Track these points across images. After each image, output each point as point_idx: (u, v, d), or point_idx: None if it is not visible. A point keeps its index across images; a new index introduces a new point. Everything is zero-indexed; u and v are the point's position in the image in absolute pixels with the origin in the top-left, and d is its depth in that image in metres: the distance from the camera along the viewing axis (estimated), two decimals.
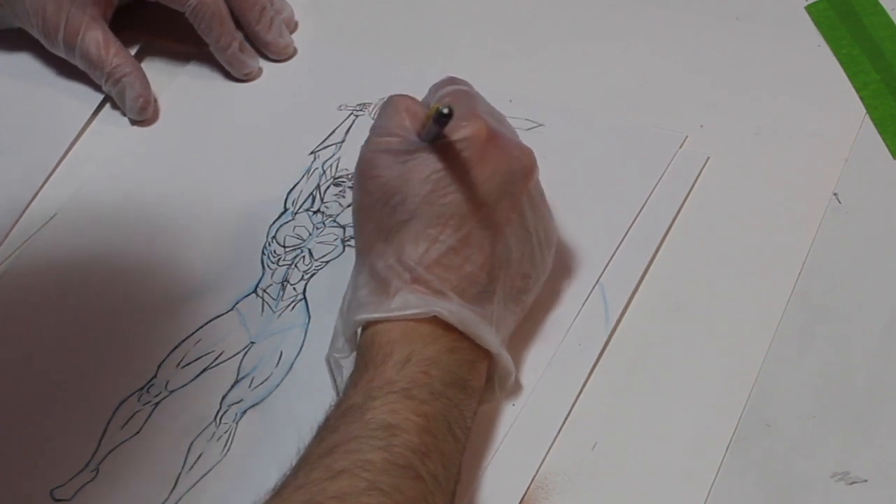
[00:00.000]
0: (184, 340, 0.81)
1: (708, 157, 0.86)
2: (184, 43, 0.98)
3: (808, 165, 0.85)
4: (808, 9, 0.95)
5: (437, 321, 0.69)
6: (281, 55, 0.97)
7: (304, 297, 0.82)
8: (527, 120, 0.88)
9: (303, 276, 0.83)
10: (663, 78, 0.92)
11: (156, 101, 0.95)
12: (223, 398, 0.78)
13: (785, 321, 0.77)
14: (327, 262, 0.84)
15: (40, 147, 0.94)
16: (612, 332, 0.78)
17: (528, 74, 0.93)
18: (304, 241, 0.85)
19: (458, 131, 0.71)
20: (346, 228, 0.85)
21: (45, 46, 0.96)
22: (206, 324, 0.81)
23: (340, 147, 0.90)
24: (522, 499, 0.72)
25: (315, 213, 0.87)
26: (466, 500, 0.71)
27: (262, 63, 0.97)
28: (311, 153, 0.90)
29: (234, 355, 0.80)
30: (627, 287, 0.80)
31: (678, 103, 0.90)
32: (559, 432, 0.74)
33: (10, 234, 0.88)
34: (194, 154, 0.92)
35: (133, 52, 0.97)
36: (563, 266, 0.80)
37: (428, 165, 0.71)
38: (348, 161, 0.87)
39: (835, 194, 0.83)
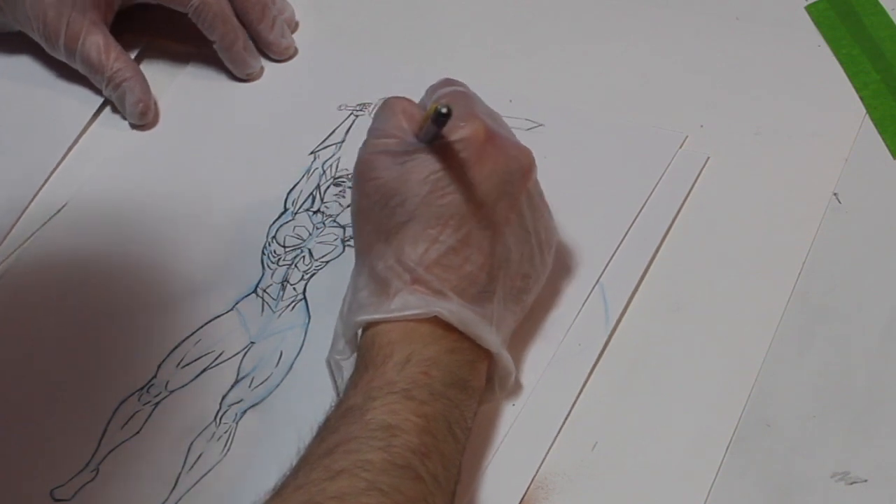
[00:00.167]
0: (184, 340, 0.81)
1: (708, 157, 0.86)
2: (184, 43, 0.98)
3: (808, 165, 0.85)
4: (808, 9, 0.95)
5: (437, 322, 0.69)
6: (282, 55, 0.97)
7: (304, 297, 0.82)
8: (527, 120, 0.88)
9: (303, 276, 0.83)
10: (663, 78, 0.92)
11: (156, 105, 0.95)
12: (223, 398, 0.78)
13: (785, 321, 0.77)
14: (327, 262, 0.84)
15: (40, 148, 0.93)
16: (612, 332, 0.78)
17: (528, 74, 0.93)
18: (304, 241, 0.85)
19: (456, 132, 0.71)
20: (346, 228, 0.85)
21: (46, 50, 0.96)
22: (207, 324, 0.81)
23: (340, 147, 0.90)
24: (522, 499, 0.72)
25: (315, 213, 0.87)
26: (466, 500, 0.71)
27: (263, 63, 0.97)
28: (312, 153, 0.90)
29: (234, 355, 0.80)
30: (627, 287, 0.80)
31: (678, 103, 0.90)
32: (559, 432, 0.74)
33: (10, 235, 0.88)
34: (194, 154, 0.92)
35: (133, 55, 0.97)
36: (563, 266, 0.80)
37: (426, 166, 0.71)
38: (348, 161, 0.87)
39: (835, 194, 0.83)
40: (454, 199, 0.71)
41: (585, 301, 0.79)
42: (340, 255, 0.84)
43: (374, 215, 0.72)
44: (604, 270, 0.80)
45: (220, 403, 0.78)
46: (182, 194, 0.89)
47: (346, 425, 0.65)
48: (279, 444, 0.74)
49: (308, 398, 0.76)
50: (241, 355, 0.80)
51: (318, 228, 0.86)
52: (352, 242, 0.79)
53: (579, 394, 0.76)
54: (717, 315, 0.78)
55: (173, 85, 0.97)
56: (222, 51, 0.95)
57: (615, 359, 0.77)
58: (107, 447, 0.76)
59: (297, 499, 0.61)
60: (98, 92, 0.95)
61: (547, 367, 0.77)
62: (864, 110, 0.87)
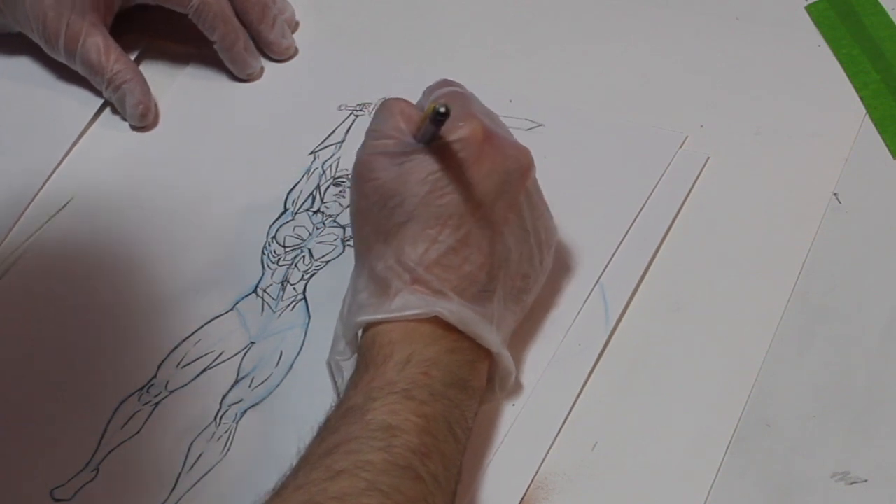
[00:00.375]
0: (184, 340, 0.81)
1: (708, 157, 0.86)
2: (184, 44, 0.98)
3: (808, 165, 0.85)
4: (808, 9, 0.95)
5: (437, 321, 0.69)
6: (283, 55, 0.97)
7: (304, 297, 0.82)
8: (527, 120, 0.88)
9: (303, 276, 0.83)
10: (663, 78, 0.92)
11: (156, 106, 0.95)
12: (223, 398, 0.78)
13: (785, 321, 0.77)
14: (327, 262, 0.84)
15: (40, 148, 0.93)
16: (612, 332, 0.78)
17: (528, 74, 0.93)
18: (304, 241, 0.85)
19: (455, 132, 0.71)
20: (346, 228, 0.85)
21: (45, 51, 0.96)
22: (207, 324, 0.81)
23: (340, 147, 0.90)
24: (522, 499, 0.72)
25: (315, 213, 0.87)
26: (466, 500, 0.71)
27: (263, 63, 0.97)
28: (311, 153, 0.90)
29: (234, 355, 0.80)
30: (627, 287, 0.80)
31: (678, 103, 0.90)
32: (559, 432, 0.74)
33: (10, 235, 0.88)
34: (194, 154, 0.92)
35: (133, 56, 0.97)
36: (563, 266, 0.80)
37: (425, 166, 0.71)
38: (348, 161, 0.87)
39: (835, 194, 0.83)
40: (453, 199, 0.71)
41: (585, 301, 0.79)
42: (340, 255, 0.84)
43: (373, 216, 0.72)
44: (604, 270, 0.80)
45: (220, 403, 0.78)
46: (182, 194, 0.89)
47: (347, 425, 0.65)
48: (279, 444, 0.74)
49: (308, 398, 0.76)
50: (241, 355, 0.80)
51: (318, 228, 0.86)
52: (352, 243, 0.79)
53: (579, 394, 0.76)
54: (717, 315, 0.78)
55: (173, 85, 0.97)
56: (223, 51, 0.95)
57: (615, 359, 0.77)
58: (107, 447, 0.77)
59: (297, 499, 0.61)
60: (98, 93, 0.95)
61: (547, 367, 0.77)
62: (864, 110, 0.87)
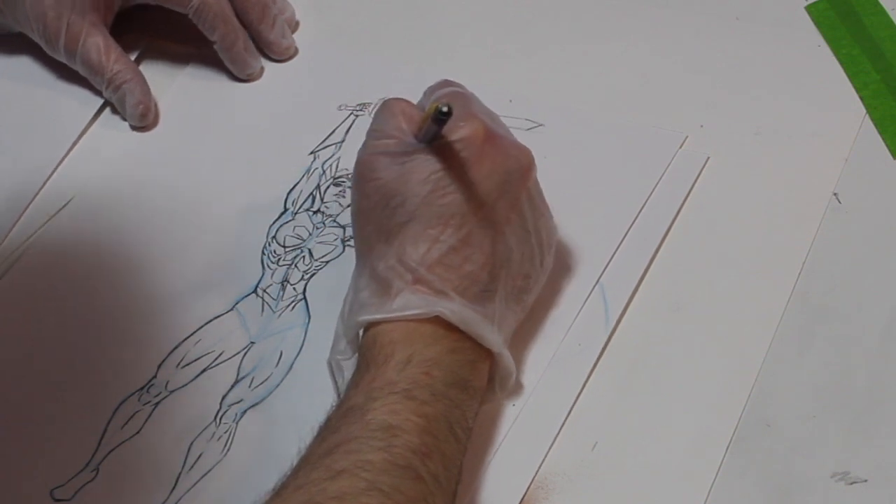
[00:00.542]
0: (184, 340, 0.81)
1: (708, 157, 0.86)
2: (184, 44, 0.98)
3: (808, 165, 0.85)
4: (808, 9, 0.95)
5: (438, 321, 0.69)
6: (283, 55, 0.97)
7: (304, 297, 0.82)
8: (527, 120, 0.88)
9: (303, 276, 0.83)
10: (663, 78, 0.92)
11: (156, 106, 0.95)
12: (223, 398, 0.78)
13: (785, 321, 0.77)
14: (327, 262, 0.84)
15: (41, 148, 0.93)
16: (612, 332, 0.78)
17: (528, 74, 0.93)
18: (304, 241, 0.85)
19: (456, 131, 0.71)
20: (346, 228, 0.85)
21: (46, 51, 0.96)
22: (207, 324, 0.81)
23: (340, 147, 0.90)
24: (522, 499, 0.72)
25: (315, 213, 0.87)
26: (466, 500, 0.71)
27: (263, 63, 0.97)
28: (311, 153, 0.90)
29: (234, 355, 0.80)
30: (627, 287, 0.80)
31: (678, 103, 0.90)
32: (559, 432, 0.74)
33: (10, 235, 0.88)
34: (194, 154, 0.92)
35: (134, 56, 0.97)
36: (563, 266, 0.80)
37: (427, 166, 0.71)
38: (348, 161, 0.87)
39: (835, 194, 0.83)
40: (455, 199, 0.71)
41: (585, 301, 0.79)
42: (340, 255, 0.84)
43: (375, 216, 0.72)
44: (604, 270, 0.80)
45: (220, 403, 0.78)
46: (182, 195, 0.89)
47: (347, 425, 0.65)
48: (279, 443, 0.74)
49: (308, 398, 0.76)
50: (241, 355, 0.80)
51: (318, 228, 0.86)
52: (352, 242, 0.79)
53: (579, 394, 0.76)
54: (717, 315, 0.78)
55: (173, 85, 0.97)
56: (222, 51, 0.95)
57: (615, 359, 0.77)
58: (107, 447, 0.77)
59: (297, 499, 0.61)
60: (98, 93, 0.95)
61: (547, 367, 0.77)
62: (864, 110, 0.87)
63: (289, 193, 0.88)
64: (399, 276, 0.70)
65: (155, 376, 0.79)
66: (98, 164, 0.92)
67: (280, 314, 0.82)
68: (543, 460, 0.73)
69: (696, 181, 0.85)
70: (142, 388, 0.79)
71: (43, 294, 0.85)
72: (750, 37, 0.93)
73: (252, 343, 0.81)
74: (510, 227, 0.72)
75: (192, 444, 0.76)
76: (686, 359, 0.77)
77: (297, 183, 0.88)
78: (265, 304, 0.82)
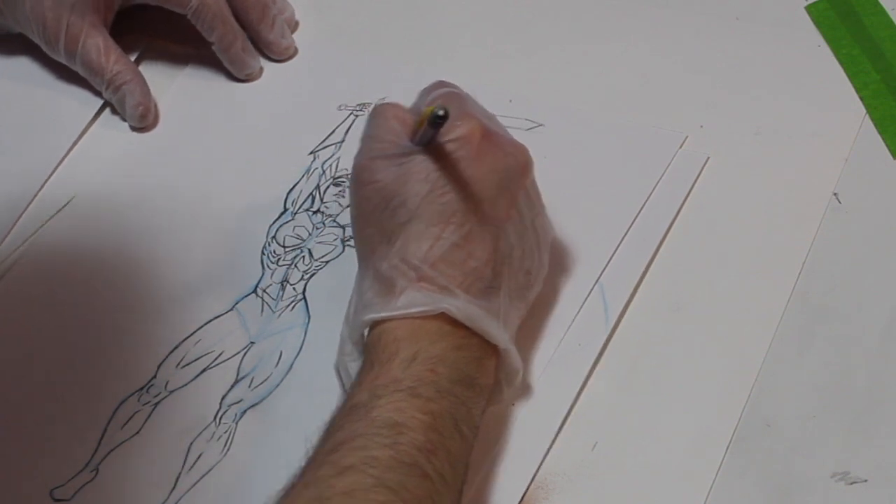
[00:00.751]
0: (184, 340, 0.81)
1: (708, 157, 0.86)
2: (183, 44, 0.98)
3: (808, 165, 0.85)
4: (808, 9, 0.95)
5: (443, 318, 0.69)
6: (283, 55, 0.97)
7: (304, 297, 0.82)
8: (527, 120, 0.88)
9: (302, 276, 0.83)
10: (663, 78, 0.92)
11: (156, 107, 0.95)
12: (223, 398, 0.78)
13: (785, 321, 0.77)
14: (327, 262, 0.84)
15: (41, 148, 0.94)
16: (611, 331, 0.78)
17: (528, 74, 0.93)
18: (304, 241, 0.85)
19: (453, 131, 0.71)
20: (346, 228, 0.85)
21: (46, 52, 0.96)
22: (206, 324, 0.81)
23: (340, 147, 0.90)
24: (522, 499, 0.72)
25: (315, 213, 0.87)
26: (466, 500, 0.71)
27: (262, 63, 0.97)
28: (311, 153, 0.90)
29: (233, 355, 0.80)
30: (627, 287, 0.80)
31: (678, 103, 0.90)
32: (559, 432, 0.74)
33: (10, 235, 0.88)
34: (194, 155, 0.92)
35: (133, 57, 0.97)
36: (563, 266, 0.80)
37: (425, 166, 0.71)
38: (348, 161, 0.86)
39: (835, 194, 0.83)
40: (455, 197, 0.71)
41: (585, 301, 0.79)
42: (340, 254, 0.84)
43: (376, 218, 0.72)
44: (603, 270, 0.80)
45: (220, 403, 0.78)
46: (182, 195, 0.89)
47: (352, 423, 0.65)
48: (279, 443, 0.75)
49: (308, 398, 0.76)
50: (240, 355, 0.80)
51: (317, 228, 0.86)
52: (352, 242, 0.79)
53: (579, 393, 0.76)
54: (717, 315, 0.78)
55: (173, 86, 0.97)
56: (221, 52, 0.95)
57: (615, 358, 0.77)
58: (106, 447, 0.76)
59: (305, 495, 0.61)
60: (98, 93, 0.95)
61: (547, 366, 0.77)
62: (864, 110, 0.87)
63: (288, 193, 0.88)
64: (403, 275, 0.70)
65: (155, 376, 0.79)
66: (98, 165, 0.92)
67: (280, 314, 0.82)
68: (543, 460, 0.73)
69: (696, 181, 0.85)
70: (141, 389, 0.79)
71: (43, 294, 0.85)
72: (750, 37, 0.93)
73: (252, 343, 0.81)
74: (511, 223, 0.72)
75: (191, 444, 0.76)
76: (686, 359, 0.77)
77: (297, 183, 0.88)
78: (265, 304, 0.82)
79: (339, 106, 0.93)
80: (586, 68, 0.93)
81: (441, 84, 0.76)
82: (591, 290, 0.79)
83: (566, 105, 0.90)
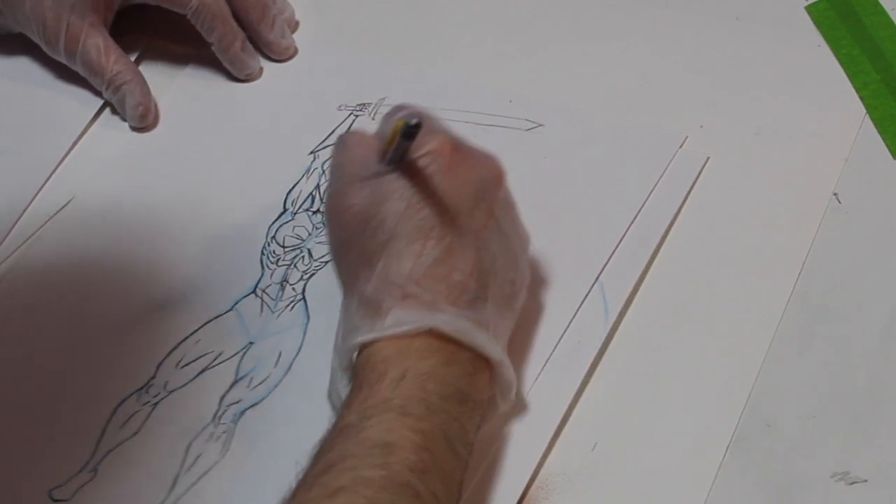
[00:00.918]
0: (183, 340, 0.81)
1: (708, 157, 0.86)
2: (183, 44, 0.98)
3: (808, 165, 0.85)
4: (808, 9, 0.95)
5: (431, 334, 0.68)
6: (283, 55, 0.97)
7: (304, 298, 0.82)
8: (526, 120, 0.88)
9: (302, 276, 0.83)
10: (663, 78, 0.92)
11: (156, 107, 0.95)
12: (222, 398, 0.78)
13: (785, 321, 0.77)
14: (327, 262, 0.84)
15: (40, 148, 0.94)
16: (611, 331, 0.78)
17: (528, 74, 0.93)
18: (304, 241, 0.85)
19: (423, 146, 0.70)
20: None
21: (46, 52, 0.96)
22: (206, 324, 0.81)
23: None
24: (522, 499, 0.72)
25: (314, 213, 0.87)
26: (466, 499, 0.71)
27: (262, 63, 0.97)
28: (311, 153, 0.90)
29: (233, 355, 0.80)
30: (627, 286, 0.80)
31: (678, 103, 0.89)
32: (559, 432, 0.74)
33: (10, 235, 0.88)
34: (194, 154, 0.92)
35: (133, 57, 0.97)
36: (563, 265, 0.80)
37: (399, 184, 0.70)
38: None
39: (835, 194, 0.83)
40: (432, 212, 0.70)
41: (585, 300, 0.79)
42: None
43: (356, 243, 0.71)
44: (603, 269, 0.80)
45: (219, 403, 0.78)
46: (181, 195, 0.89)
47: (342, 444, 0.64)
48: (278, 444, 0.74)
49: (307, 398, 0.76)
50: (240, 355, 0.80)
51: (317, 228, 0.86)
52: None
53: (579, 394, 0.76)
54: (717, 315, 0.78)
55: (173, 86, 0.97)
56: (220, 52, 0.95)
57: (615, 359, 0.77)
58: (105, 447, 0.76)
59: None
60: (98, 93, 0.95)
61: (546, 366, 0.77)
62: (864, 110, 0.87)
63: (288, 193, 0.88)
64: (388, 295, 0.69)
65: (154, 376, 0.79)
66: (98, 165, 0.92)
67: (279, 314, 0.82)
68: (543, 460, 0.73)
69: (696, 181, 0.85)
70: (141, 389, 0.79)
71: (42, 294, 0.85)
72: (750, 37, 0.93)
73: (251, 343, 0.80)
74: (490, 233, 0.72)
75: (190, 444, 0.76)
76: (686, 359, 0.77)
77: (297, 183, 0.88)
78: (264, 305, 0.82)
79: (339, 106, 0.93)
80: (586, 68, 0.93)
81: (402, 107, 0.76)
82: (591, 289, 0.79)
83: (566, 105, 0.90)
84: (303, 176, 0.89)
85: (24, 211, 0.89)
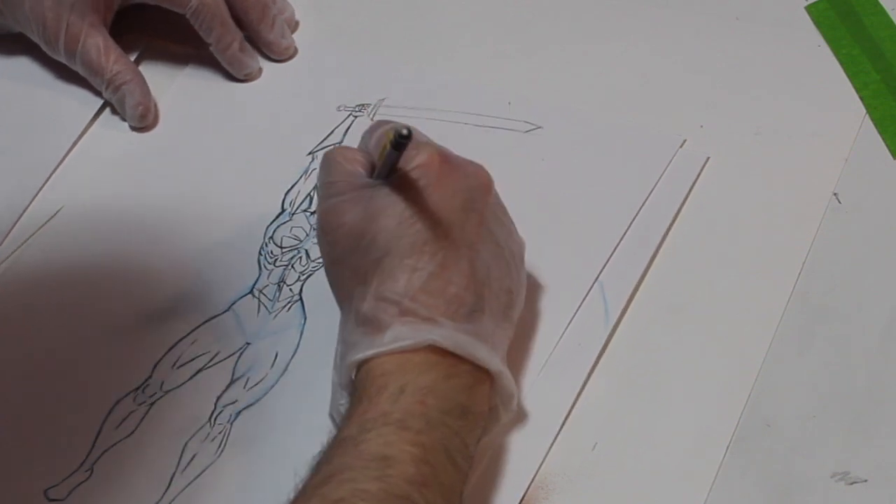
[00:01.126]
0: (180, 341, 0.81)
1: (708, 158, 0.85)
2: (183, 44, 0.98)
3: (808, 165, 0.85)
4: (808, 9, 0.94)
5: (430, 349, 0.68)
6: (282, 55, 0.97)
7: (301, 298, 0.82)
8: (525, 122, 0.88)
9: (299, 276, 0.83)
10: (663, 78, 0.91)
11: (156, 107, 0.95)
12: (218, 399, 0.78)
13: (785, 321, 0.77)
14: None
15: (40, 148, 0.94)
16: (612, 331, 0.78)
17: (528, 74, 0.93)
18: (301, 241, 0.85)
19: (412, 160, 0.70)
20: None
21: (46, 52, 0.96)
22: (202, 324, 0.81)
23: None
24: (522, 499, 0.72)
25: (312, 213, 0.86)
26: (466, 499, 0.71)
27: (262, 63, 0.97)
28: (310, 154, 0.90)
29: (229, 356, 0.80)
30: (627, 287, 0.79)
31: (678, 103, 0.89)
32: (559, 432, 0.74)
33: (10, 235, 0.88)
34: (193, 154, 0.92)
35: (133, 57, 0.97)
36: (562, 266, 0.80)
37: (390, 199, 0.70)
38: None
39: (835, 194, 0.83)
40: (424, 226, 0.69)
41: (585, 301, 0.79)
42: None
43: (349, 260, 0.71)
44: (602, 270, 0.80)
45: (215, 404, 0.78)
46: (180, 195, 0.89)
47: (340, 456, 0.64)
48: (274, 445, 0.74)
49: (303, 399, 0.76)
50: (236, 356, 0.80)
51: (314, 229, 0.85)
52: None
53: (579, 394, 0.75)
54: (717, 315, 0.78)
55: (173, 86, 0.97)
56: (218, 52, 0.95)
57: (615, 359, 0.77)
58: (101, 447, 0.76)
59: None
60: (98, 93, 0.95)
61: (547, 367, 0.76)
62: (864, 110, 0.87)
63: (286, 194, 0.88)
64: (385, 312, 0.69)
65: (150, 376, 0.79)
66: (98, 165, 0.92)
67: (276, 315, 0.81)
68: (543, 460, 0.73)
69: (695, 181, 0.84)
70: (137, 389, 0.79)
71: (40, 293, 0.85)
72: (750, 37, 0.93)
73: (248, 344, 0.80)
74: (482, 244, 0.71)
75: (186, 444, 0.76)
76: (686, 359, 0.77)
77: (295, 183, 0.88)
78: (261, 305, 0.82)
79: (339, 106, 0.93)
80: (586, 68, 0.93)
81: (382, 122, 0.76)
82: (591, 289, 0.79)
83: (565, 106, 0.90)
84: (301, 176, 0.89)
85: (24, 210, 0.90)
